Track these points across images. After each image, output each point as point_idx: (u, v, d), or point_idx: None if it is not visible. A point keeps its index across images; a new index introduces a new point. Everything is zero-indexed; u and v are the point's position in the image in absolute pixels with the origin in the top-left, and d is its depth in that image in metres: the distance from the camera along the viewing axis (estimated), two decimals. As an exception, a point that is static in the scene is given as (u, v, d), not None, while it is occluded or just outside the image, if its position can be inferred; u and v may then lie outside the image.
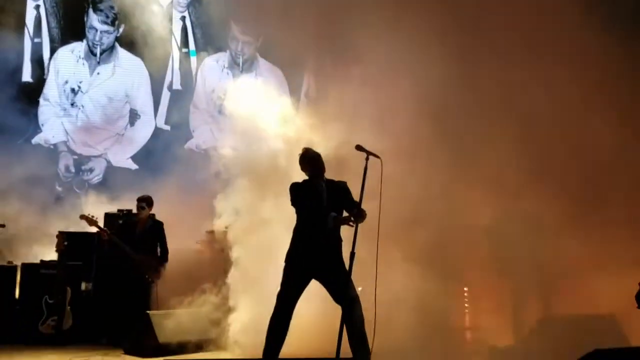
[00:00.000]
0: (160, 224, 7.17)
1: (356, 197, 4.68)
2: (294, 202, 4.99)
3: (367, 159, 4.63)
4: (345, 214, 4.86)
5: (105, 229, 6.92)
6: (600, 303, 5.93)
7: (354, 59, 6.75)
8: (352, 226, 4.58)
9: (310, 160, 5.09)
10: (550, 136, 6.53)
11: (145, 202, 7.08)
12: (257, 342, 4.94)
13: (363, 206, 4.58)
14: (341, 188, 5.02)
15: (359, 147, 4.69)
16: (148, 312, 6.17)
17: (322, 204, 4.86)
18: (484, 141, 6.42)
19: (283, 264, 4.90)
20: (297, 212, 5.02)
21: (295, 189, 5.03)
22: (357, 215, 4.59)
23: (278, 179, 5.89)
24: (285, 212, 5.26)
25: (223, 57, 10.22)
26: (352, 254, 4.47)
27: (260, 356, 4.84)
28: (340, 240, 4.93)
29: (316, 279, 4.87)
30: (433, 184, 6.05)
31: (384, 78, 6.54)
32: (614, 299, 5.73)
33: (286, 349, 4.81)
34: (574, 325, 5.61)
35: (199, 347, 6.18)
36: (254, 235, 6.10)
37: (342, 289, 4.69)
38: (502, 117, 6.48)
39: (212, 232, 7.30)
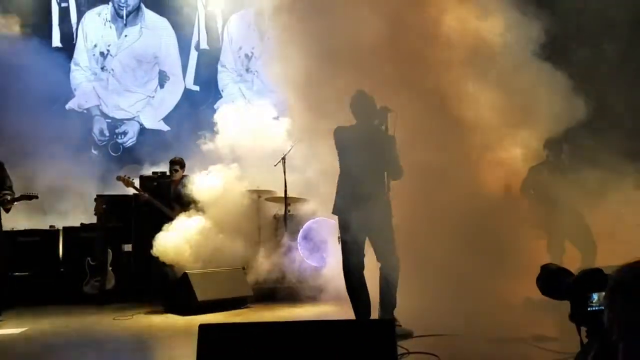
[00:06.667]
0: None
1: None
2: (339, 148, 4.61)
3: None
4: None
5: (141, 191, 7.07)
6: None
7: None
8: None
9: (362, 103, 4.65)
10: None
11: (178, 164, 7.17)
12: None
13: None
14: (390, 140, 4.61)
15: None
16: (186, 271, 6.31)
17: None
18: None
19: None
20: (340, 160, 4.65)
21: (340, 133, 4.61)
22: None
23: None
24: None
25: (248, 14, 10.06)
26: None
27: None
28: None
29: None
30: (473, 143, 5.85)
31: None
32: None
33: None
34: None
35: (236, 304, 6.33)
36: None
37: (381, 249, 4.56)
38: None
39: (247, 192, 7.36)
